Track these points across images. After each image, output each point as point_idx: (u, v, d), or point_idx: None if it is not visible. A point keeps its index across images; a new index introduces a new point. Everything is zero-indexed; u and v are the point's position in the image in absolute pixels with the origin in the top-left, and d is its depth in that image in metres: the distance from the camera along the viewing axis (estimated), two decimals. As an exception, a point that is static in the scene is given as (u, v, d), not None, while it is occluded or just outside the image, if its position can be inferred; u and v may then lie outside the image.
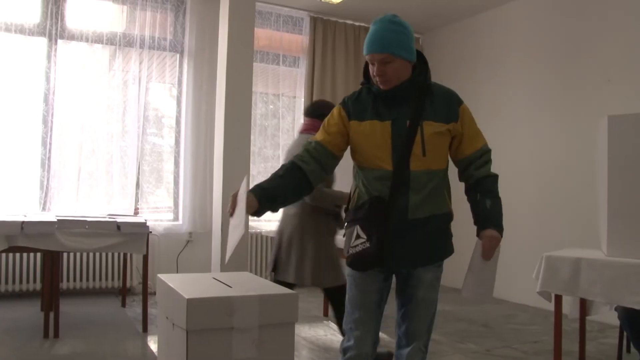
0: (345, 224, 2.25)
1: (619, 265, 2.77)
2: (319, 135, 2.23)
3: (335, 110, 2.25)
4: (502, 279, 5.50)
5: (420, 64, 2.18)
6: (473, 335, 4.41)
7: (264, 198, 2.06)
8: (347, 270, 2.22)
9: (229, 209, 2.08)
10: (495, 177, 2.22)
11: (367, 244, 2.05)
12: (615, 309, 3.35)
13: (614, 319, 3.62)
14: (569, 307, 3.49)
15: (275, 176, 2.15)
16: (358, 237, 2.09)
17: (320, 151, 2.17)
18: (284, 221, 3.69)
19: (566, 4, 5.44)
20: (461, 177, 2.26)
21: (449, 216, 2.21)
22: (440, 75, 6.45)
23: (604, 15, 5.06)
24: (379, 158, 2.10)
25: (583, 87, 5.22)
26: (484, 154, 2.21)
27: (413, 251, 2.12)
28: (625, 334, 3.61)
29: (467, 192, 2.24)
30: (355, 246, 2.09)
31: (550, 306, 3.16)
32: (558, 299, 3.08)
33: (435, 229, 2.16)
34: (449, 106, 2.16)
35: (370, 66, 2.13)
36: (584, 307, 3.48)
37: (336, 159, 2.22)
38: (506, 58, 6.08)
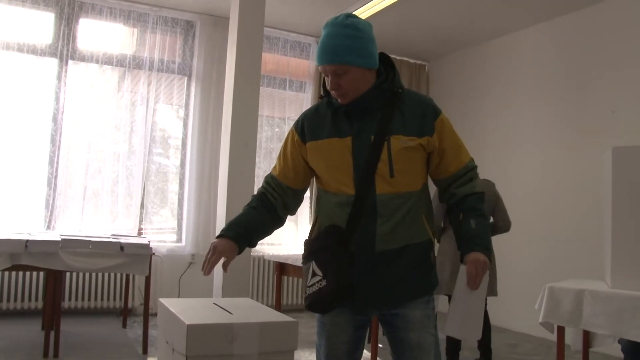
0: (302, 259, 1.92)
1: (623, 297, 2.74)
2: (276, 167, 2.01)
3: (288, 136, 1.99)
4: (505, 307, 5.50)
5: (387, 68, 1.90)
6: (475, 365, 4.37)
7: (239, 236, 1.90)
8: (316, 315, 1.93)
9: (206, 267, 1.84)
10: (481, 194, 1.92)
11: (323, 282, 1.76)
12: (619, 342, 3.32)
13: (617, 351, 3.58)
14: (572, 338, 3.46)
15: (249, 208, 1.97)
16: (314, 274, 1.79)
17: (279, 186, 1.97)
18: (448, 244, 4.04)
19: (573, 34, 5.48)
20: (442, 198, 1.98)
21: (429, 244, 1.88)
22: (447, 101, 6.50)
23: (610, 45, 5.10)
24: (340, 181, 1.83)
25: (590, 117, 5.23)
26: (469, 171, 1.92)
27: (385, 289, 1.81)
28: (629, 367, 3.57)
29: (449, 213, 1.96)
30: (311, 285, 1.79)
31: (554, 336, 3.13)
32: (560, 330, 3.05)
33: (411, 261, 1.82)
34: (423, 117, 1.85)
35: (325, 78, 1.86)
36: (587, 338, 3.44)
37: (298, 192, 2.00)
38: (513, 86, 6.11)
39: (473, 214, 1.87)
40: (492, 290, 4.10)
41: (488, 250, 1.86)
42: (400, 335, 1.85)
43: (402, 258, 1.81)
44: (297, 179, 1.97)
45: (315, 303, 1.80)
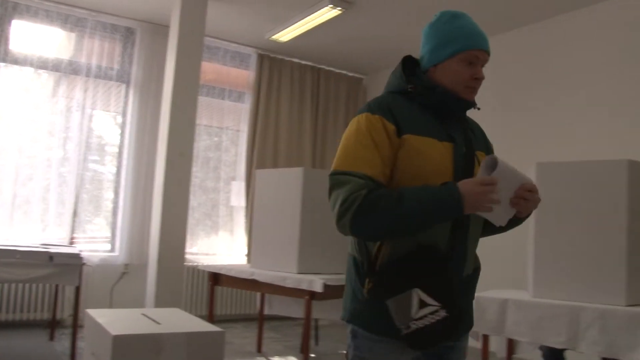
0: (375, 285, 1.51)
1: (543, 306, 2.89)
2: (366, 166, 1.49)
3: (375, 122, 1.53)
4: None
5: None
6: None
7: None
8: (361, 346, 1.58)
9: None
10: None
11: (443, 313, 1.47)
12: (540, 348, 3.48)
13: (539, 358, 3.75)
14: (497, 346, 3.60)
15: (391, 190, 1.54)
16: (424, 304, 1.46)
17: (378, 186, 1.50)
18: None
19: (507, 53, 5.71)
20: None
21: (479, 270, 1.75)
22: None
23: (543, 63, 5.35)
24: None
25: (518, 133, 5.45)
26: None
27: (467, 317, 1.65)
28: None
29: None
30: (420, 318, 1.46)
31: (480, 344, 3.25)
32: (485, 339, 3.18)
33: (475, 288, 1.70)
34: (484, 137, 1.77)
35: (462, 67, 1.59)
36: (511, 345, 3.59)
37: None
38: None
39: None
40: None
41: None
42: None
43: (473, 282, 1.65)
44: (387, 175, 1.53)
45: (432, 337, 1.49)
